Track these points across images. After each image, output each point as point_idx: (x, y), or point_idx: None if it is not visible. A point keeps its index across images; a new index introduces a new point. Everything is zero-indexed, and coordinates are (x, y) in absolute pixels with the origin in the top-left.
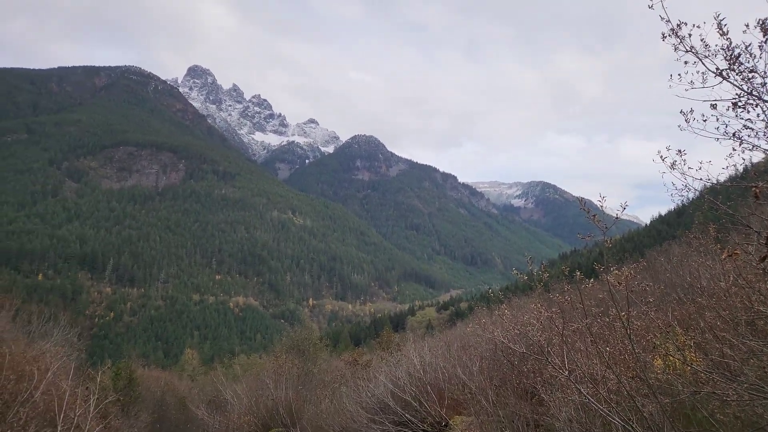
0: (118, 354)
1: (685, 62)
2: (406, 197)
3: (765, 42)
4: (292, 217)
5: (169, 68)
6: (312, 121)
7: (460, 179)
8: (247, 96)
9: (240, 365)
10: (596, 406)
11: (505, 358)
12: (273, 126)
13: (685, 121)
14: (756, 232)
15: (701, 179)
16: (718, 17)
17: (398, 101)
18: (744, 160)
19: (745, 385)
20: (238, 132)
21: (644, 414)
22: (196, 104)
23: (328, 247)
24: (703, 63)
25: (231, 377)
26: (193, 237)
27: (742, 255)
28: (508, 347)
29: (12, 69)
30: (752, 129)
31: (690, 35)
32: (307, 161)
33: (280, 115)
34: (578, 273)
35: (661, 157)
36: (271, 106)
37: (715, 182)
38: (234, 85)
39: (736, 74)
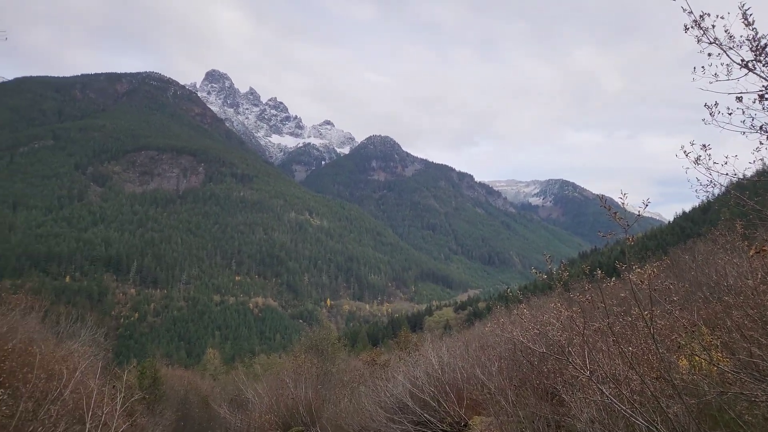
0: (143, 353)
1: (709, 54)
2: (422, 197)
3: None
4: (309, 219)
5: (188, 73)
6: (327, 122)
7: (477, 178)
8: (264, 99)
9: (260, 365)
10: (619, 406)
11: (524, 358)
12: (289, 128)
13: (710, 114)
14: None
15: (727, 174)
16: (743, 7)
17: (413, 101)
18: None
19: None
20: (255, 135)
21: (669, 415)
22: (214, 108)
23: (345, 248)
24: (727, 54)
25: (252, 376)
26: (213, 239)
27: None
28: (528, 347)
29: (38, 77)
30: None
31: (713, 26)
32: (323, 163)
33: (296, 117)
34: (599, 271)
35: (685, 152)
36: (287, 109)
37: (742, 177)
38: (251, 88)
39: (763, 65)
